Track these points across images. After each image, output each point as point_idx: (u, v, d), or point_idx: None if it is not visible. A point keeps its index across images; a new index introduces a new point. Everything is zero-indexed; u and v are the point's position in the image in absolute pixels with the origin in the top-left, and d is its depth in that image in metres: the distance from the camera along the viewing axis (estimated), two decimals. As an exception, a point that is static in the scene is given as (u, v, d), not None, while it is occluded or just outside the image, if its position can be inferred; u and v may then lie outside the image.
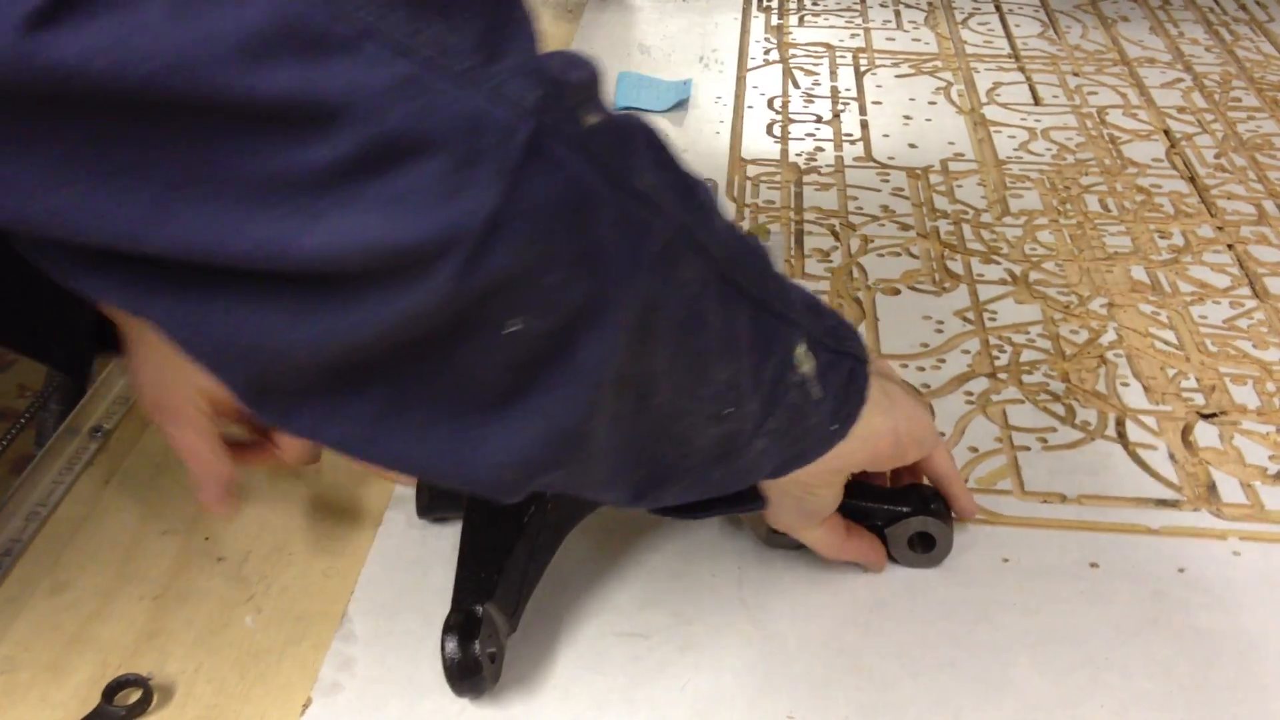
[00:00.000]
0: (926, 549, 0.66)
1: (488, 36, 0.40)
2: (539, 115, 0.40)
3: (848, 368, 0.58)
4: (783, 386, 0.54)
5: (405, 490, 0.71)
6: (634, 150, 0.45)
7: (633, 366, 0.48)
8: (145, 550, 0.67)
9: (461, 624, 0.58)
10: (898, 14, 1.43)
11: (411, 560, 0.67)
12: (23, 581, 0.66)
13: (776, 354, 0.54)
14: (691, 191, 0.49)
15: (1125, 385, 0.81)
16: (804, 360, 0.55)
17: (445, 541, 0.68)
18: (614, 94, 1.21)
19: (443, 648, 0.58)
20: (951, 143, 1.14)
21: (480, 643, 0.58)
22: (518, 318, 0.44)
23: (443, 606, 0.60)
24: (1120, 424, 0.78)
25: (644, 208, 0.45)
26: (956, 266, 0.95)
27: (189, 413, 0.61)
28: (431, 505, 0.69)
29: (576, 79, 0.43)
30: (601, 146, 0.43)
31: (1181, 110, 1.20)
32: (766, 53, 1.33)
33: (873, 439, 0.60)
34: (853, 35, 1.37)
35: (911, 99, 1.22)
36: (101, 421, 0.77)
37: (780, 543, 0.67)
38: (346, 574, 0.66)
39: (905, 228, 1.00)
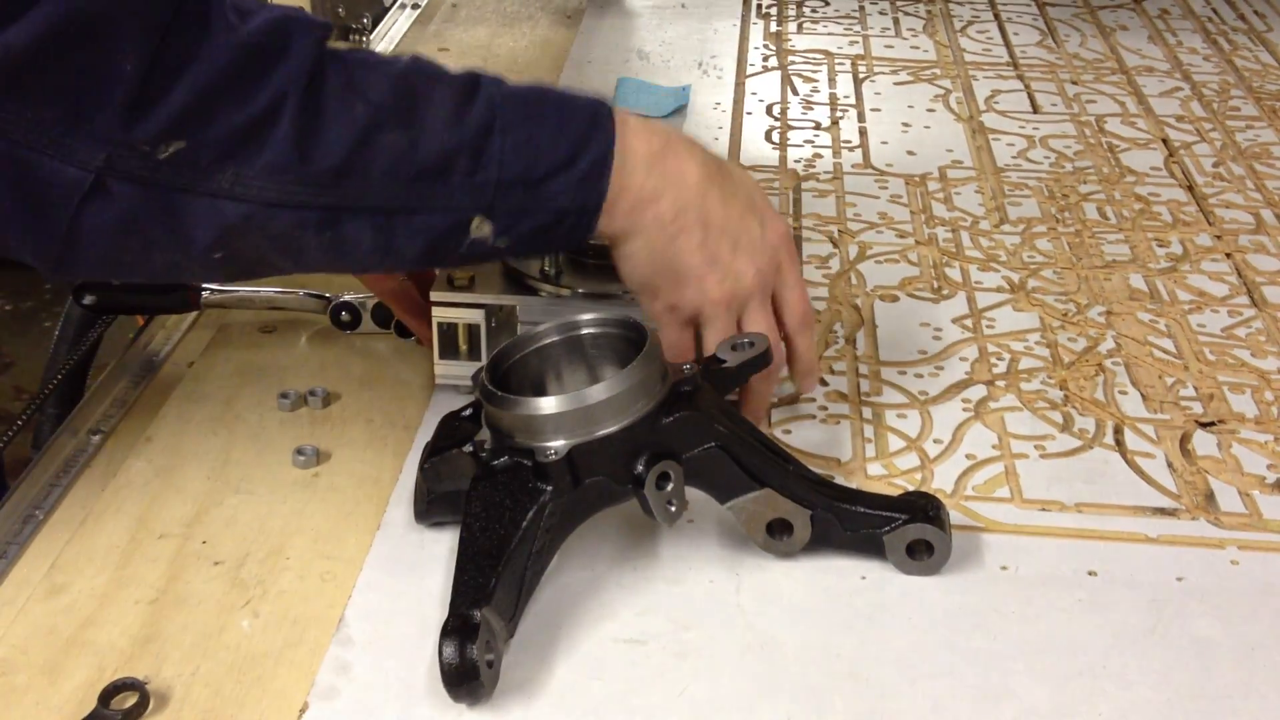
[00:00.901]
0: (924, 556, 0.66)
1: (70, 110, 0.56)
2: (103, 166, 0.57)
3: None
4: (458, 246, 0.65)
5: (403, 494, 0.71)
6: (219, 162, 0.59)
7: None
8: (142, 553, 0.67)
9: (459, 629, 0.58)
10: (896, 22, 1.43)
11: (409, 565, 0.67)
12: (19, 584, 0.65)
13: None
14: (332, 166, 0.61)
15: (1123, 393, 0.82)
16: (480, 227, 0.64)
17: (443, 546, 0.68)
18: (613, 99, 1.21)
19: (440, 653, 0.57)
20: (950, 150, 1.14)
21: (477, 648, 0.57)
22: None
23: (440, 611, 0.59)
24: (1118, 432, 0.78)
25: (228, 201, 0.60)
26: (955, 274, 0.95)
27: None
28: (429, 510, 0.69)
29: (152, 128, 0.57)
30: (170, 173, 0.58)
31: (1180, 119, 1.20)
32: (765, 59, 1.33)
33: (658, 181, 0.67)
34: (851, 43, 1.37)
35: (910, 106, 1.22)
36: (99, 424, 0.77)
37: (779, 550, 0.67)
38: (344, 578, 0.66)
39: (904, 235, 1.00)
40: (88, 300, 0.88)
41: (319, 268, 0.67)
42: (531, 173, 0.65)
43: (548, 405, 0.63)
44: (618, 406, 0.63)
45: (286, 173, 0.60)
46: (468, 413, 0.69)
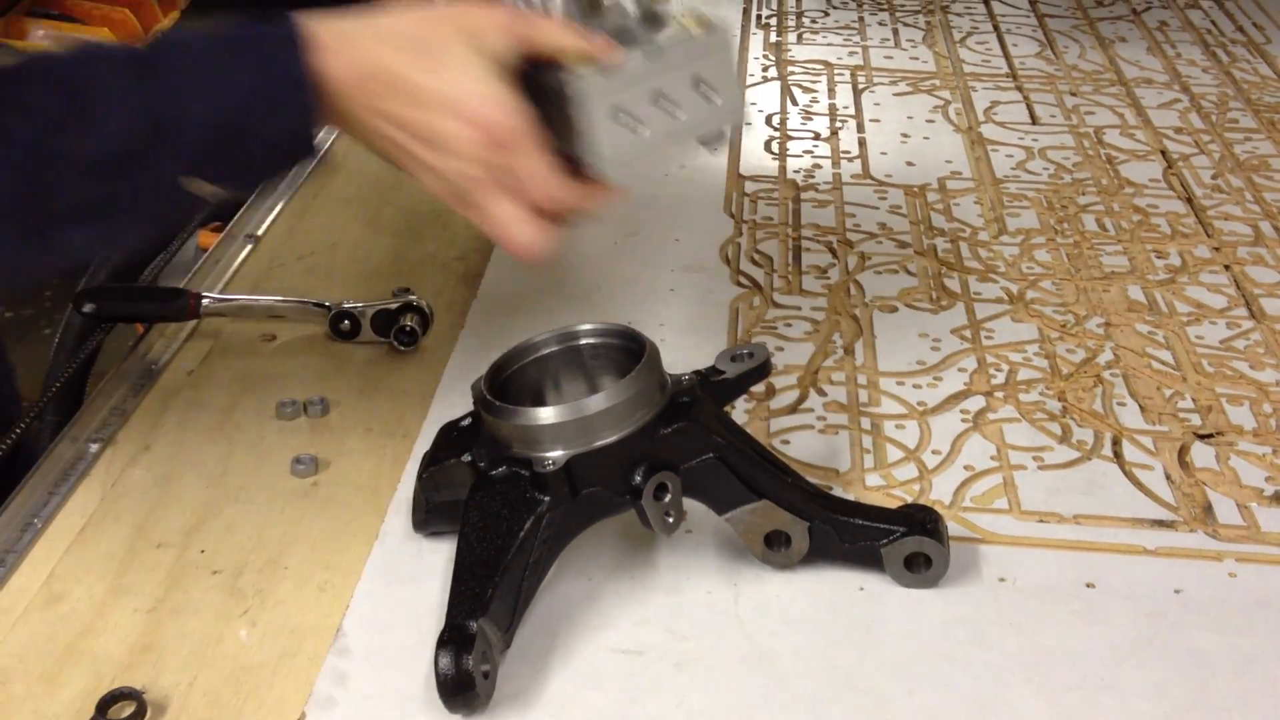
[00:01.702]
0: (923, 569, 0.66)
1: None
2: None
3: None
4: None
5: (401, 504, 0.71)
6: None
7: None
8: (140, 563, 0.67)
9: (455, 639, 0.58)
10: (896, 33, 1.43)
11: (407, 574, 0.67)
12: (17, 592, 0.65)
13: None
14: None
15: (1122, 405, 0.82)
16: (198, 186, 0.62)
17: (440, 556, 0.68)
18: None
19: (436, 663, 0.58)
20: (949, 161, 1.14)
21: (473, 659, 0.58)
22: None
23: (438, 621, 0.59)
24: (1116, 444, 0.78)
25: None
26: (954, 284, 0.95)
27: None
28: (428, 519, 0.69)
29: None
30: None
31: (1179, 131, 1.20)
32: (765, 70, 1.33)
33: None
34: (851, 53, 1.37)
35: (909, 117, 1.23)
36: (98, 432, 0.77)
37: (777, 561, 0.67)
38: (341, 588, 0.66)
39: (903, 245, 1.00)
40: (87, 308, 0.88)
41: (55, 276, 0.67)
42: (231, 122, 0.61)
43: (546, 415, 0.63)
44: (616, 417, 0.63)
45: None
46: (466, 422, 0.69)
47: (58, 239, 0.61)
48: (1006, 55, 1.38)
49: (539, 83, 0.64)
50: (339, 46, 0.62)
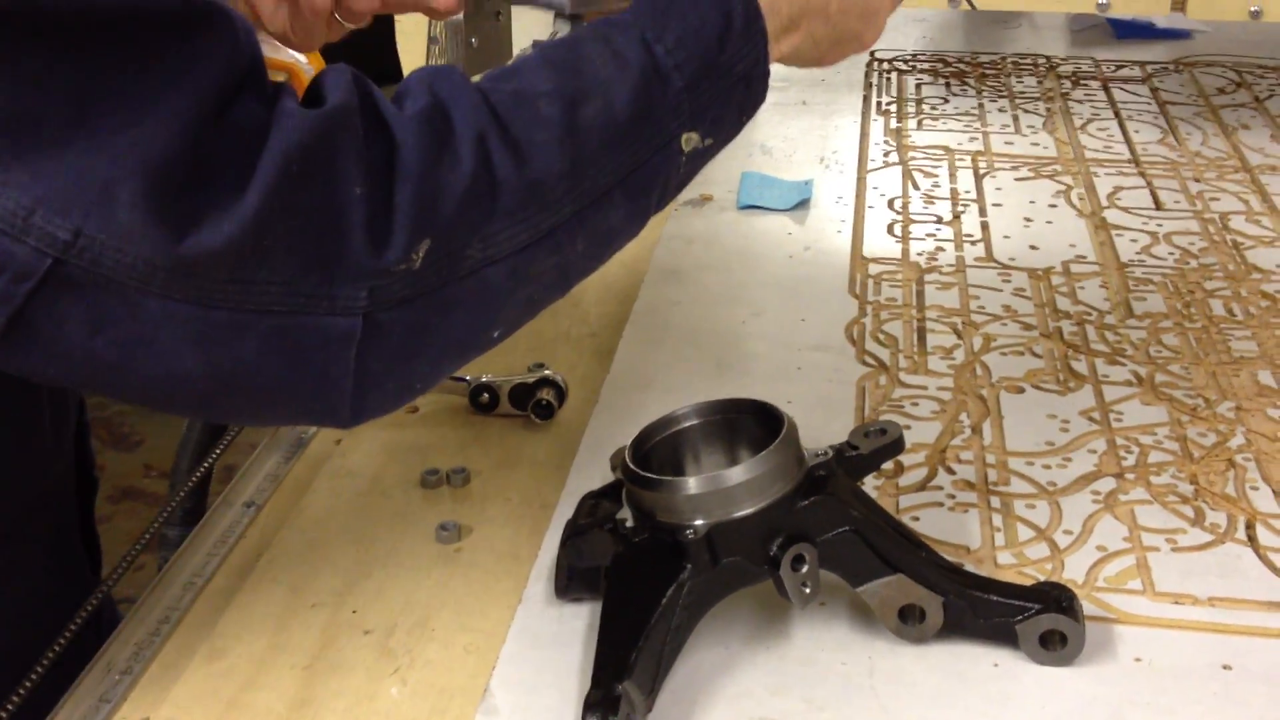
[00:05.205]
0: (1058, 647, 0.67)
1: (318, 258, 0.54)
2: (369, 303, 0.55)
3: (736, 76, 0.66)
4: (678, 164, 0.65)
5: (541, 571, 0.73)
6: (464, 237, 0.58)
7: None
8: (296, 621, 0.70)
9: (601, 702, 0.60)
10: (1016, 119, 1.45)
11: (550, 638, 0.69)
12: (181, 648, 0.69)
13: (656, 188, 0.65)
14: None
15: (1254, 489, 0.81)
16: (689, 139, 0.64)
17: (581, 621, 0.70)
18: (738, 193, 1.24)
19: (584, 724, 0.59)
20: (1073, 245, 1.15)
21: (620, 720, 0.59)
22: None
23: (581, 684, 0.61)
24: (1250, 527, 0.78)
25: (487, 269, 0.59)
26: (1081, 367, 0.95)
27: None
28: (569, 585, 0.71)
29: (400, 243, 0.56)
30: (431, 277, 0.57)
31: (1306, 216, 1.20)
32: (886, 155, 1.36)
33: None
34: (971, 139, 1.39)
35: (1031, 201, 1.24)
36: (253, 497, 0.81)
37: (911, 635, 0.68)
38: (487, 650, 0.68)
39: (1028, 327, 1.01)
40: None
41: (584, 276, 0.65)
42: (707, 56, 0.64)
43: (690, 486, 0.65)
44: (756, 489, 0.65)
45: (524, 207, 0.59)
46: (606, 492, 0.71)
47: (595, 219, 0.62)
48: (1128, 141, 1.38)
49: None
50: None
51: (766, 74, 0.67)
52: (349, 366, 0.55)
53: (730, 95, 0.66)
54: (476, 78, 0.62)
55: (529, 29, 0.89)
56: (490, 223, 0.58)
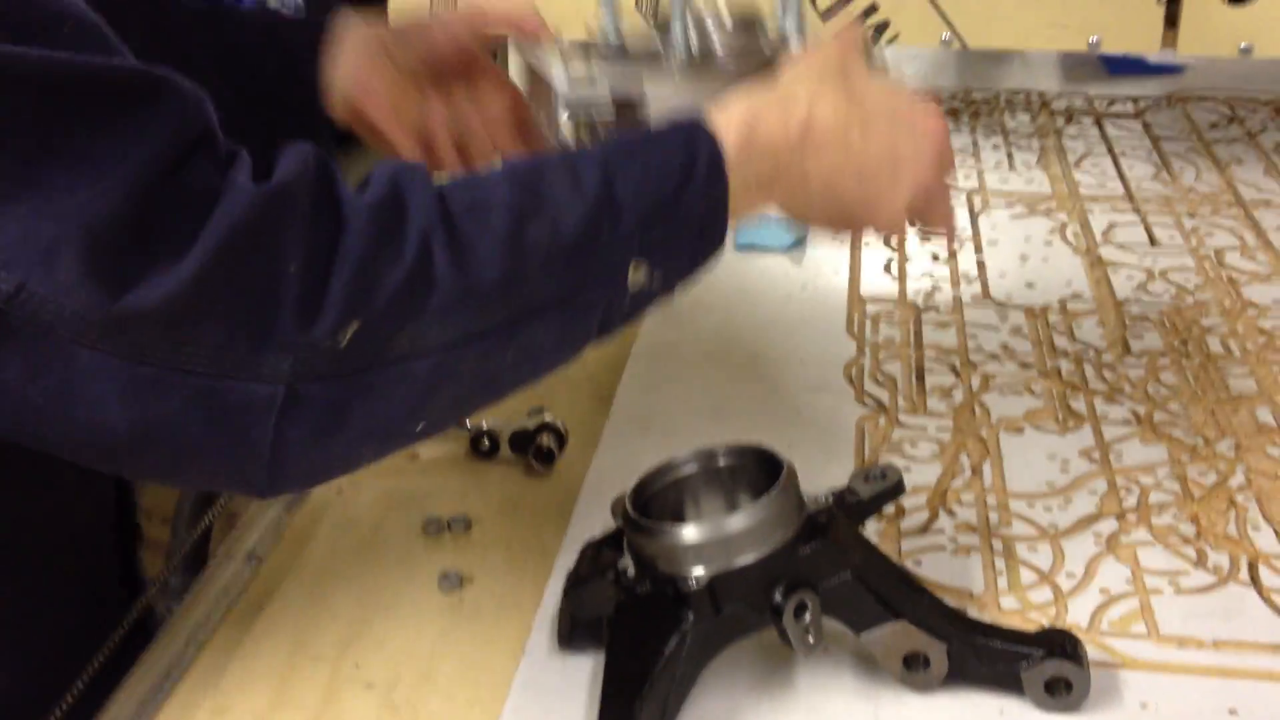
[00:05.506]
0: (1064, 693, 0.67)
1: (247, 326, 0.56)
2: (292, 374, 0.57)
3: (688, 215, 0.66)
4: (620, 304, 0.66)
5: (544, 619, 0.73)
6: (394, 325, 0.59)
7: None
8: (298, 676, 0.70)
9: (606, 754, 0.60)
10: (1010, 156, 1.46)
11: (554, 689, 0.69)
12: (185, 705, 0.69)
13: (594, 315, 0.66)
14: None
15: (1256, 529, 0.81)
16: (636, 271, 0.65)
17: (584, 672, 0.70)
18: (735, 232, 1.24)
19: (589, 778, 0.59)
20: (1069, 282, 1.15)
21: (625, 774, 0.59)
22: None
23: (586, 737, 0.61)
24: (1253, 568, 0.78)
25: (414, 360, 0.60)
26: (1079, 405, 0.96)
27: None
28: (572, 635, 0.71)
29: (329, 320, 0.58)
30: (355, 358, 0.59)
31: (1300, 251, 1.21)
32: (881, 193, 1.36)
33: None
34: (965, 177, 1.40)
35: (1027, 238, 1.24)
36: (255, 549, 0.81)
37: (915, 682, 0.68)
38: (490, 702, 0.68)
39: (1026, 366, 1.01)
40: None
41: (513, 388, 0.67)
42: (663, 200, 0.65)
43: (690, 534, 0.65)
44: (756, 536, 0.65)
45: (456, 308, 0.60)
46: (607, 540, 0.71)
47: (526, 333, 0.63)
48: (1122, 178, 1.39)
49: None
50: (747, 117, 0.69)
51: (723, 227, 0.68)
52: (268, 434, 0.57)
53: (683, 241, 0.67)
54: (443, 179, 0.64)
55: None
56: (420, 317, 0.59)
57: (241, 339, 0.55)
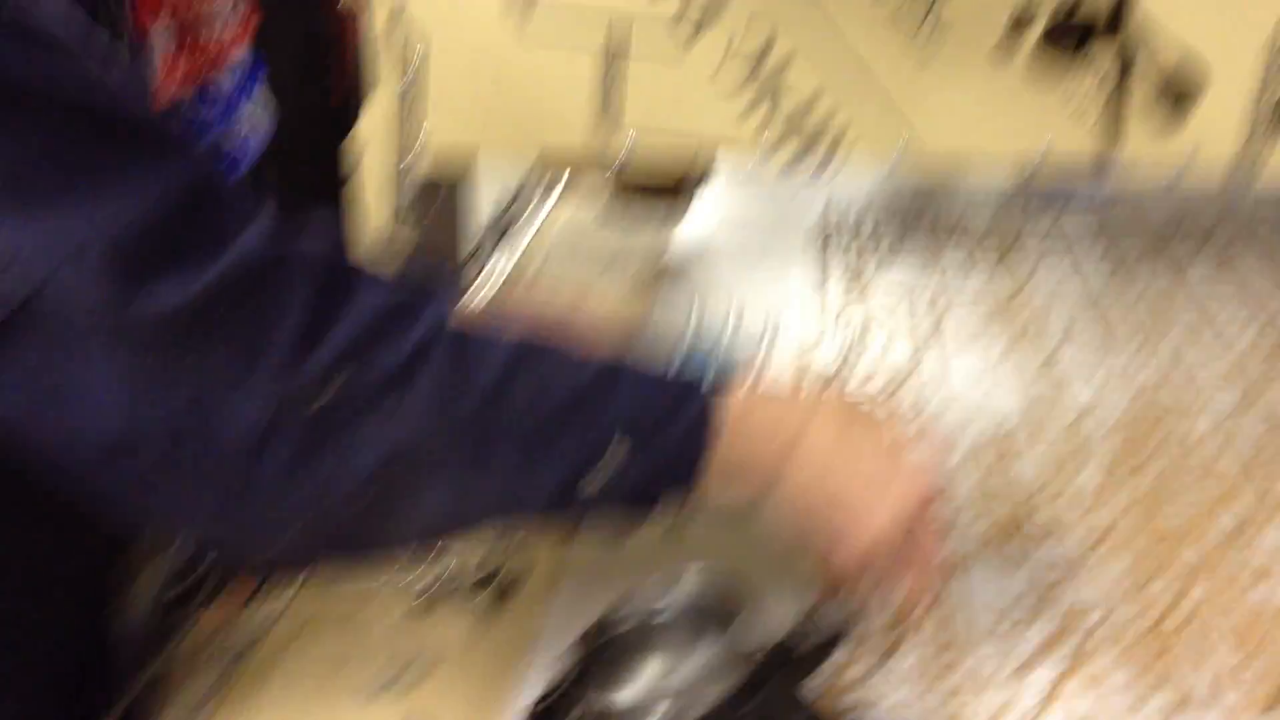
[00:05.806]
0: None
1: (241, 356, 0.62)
2: (275, 413, 0.62)
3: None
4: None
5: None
6: (377, 398, 0.65)
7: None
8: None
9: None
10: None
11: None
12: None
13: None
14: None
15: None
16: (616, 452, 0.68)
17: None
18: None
19: None
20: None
21: None
22: None
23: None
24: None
25: (390, 424, 0.65)
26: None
27: None
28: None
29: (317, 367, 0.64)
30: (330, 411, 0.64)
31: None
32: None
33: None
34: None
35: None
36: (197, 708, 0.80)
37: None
38: None
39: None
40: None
41: (465, 521, 0.71)
42: (650, 413, 0.70)
43: (623, 699, 0.66)
44: (687, 698, 0.66)
45: (438, 408, 0.65)
46: (548, 695, 0.71)
47: (492, 455, 0.67)
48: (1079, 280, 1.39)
49: None
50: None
51: (691, 474, 0.72)
52: (244, 460, 0.62)
53: (655, 458, 0.70)
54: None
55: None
56: (403, 400, 0.64)
57: (239, 360, 0.61)
